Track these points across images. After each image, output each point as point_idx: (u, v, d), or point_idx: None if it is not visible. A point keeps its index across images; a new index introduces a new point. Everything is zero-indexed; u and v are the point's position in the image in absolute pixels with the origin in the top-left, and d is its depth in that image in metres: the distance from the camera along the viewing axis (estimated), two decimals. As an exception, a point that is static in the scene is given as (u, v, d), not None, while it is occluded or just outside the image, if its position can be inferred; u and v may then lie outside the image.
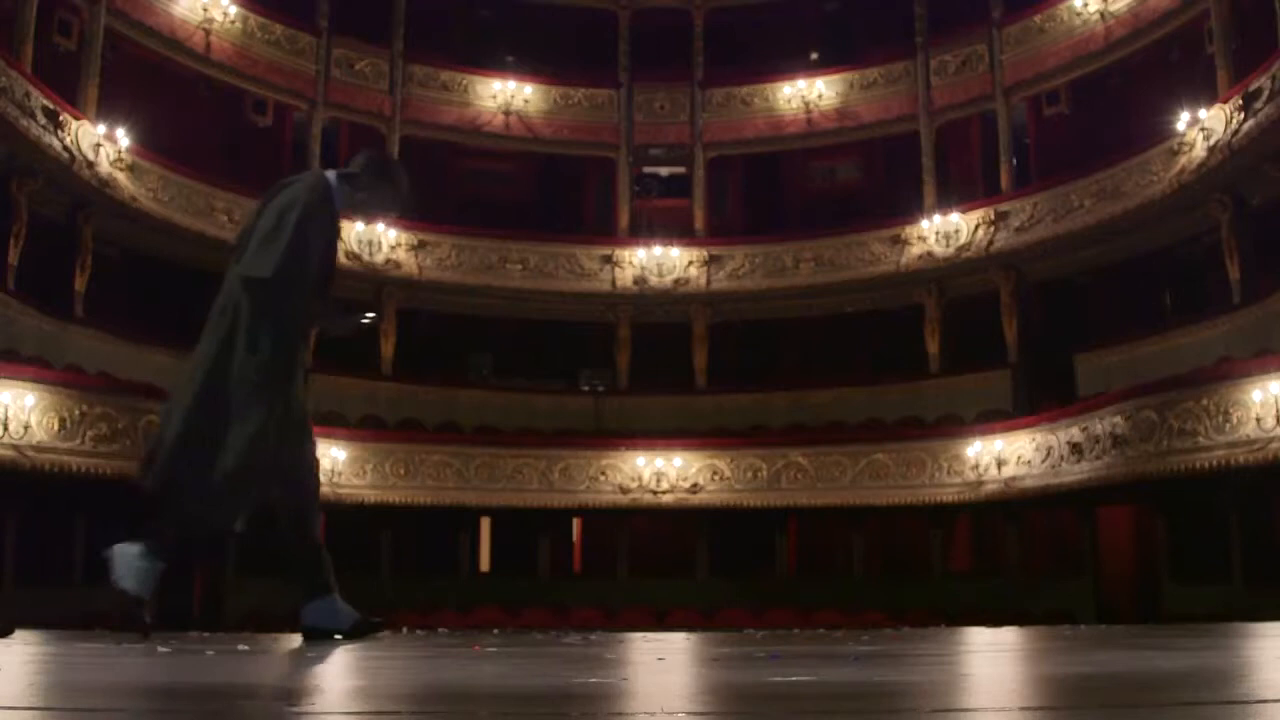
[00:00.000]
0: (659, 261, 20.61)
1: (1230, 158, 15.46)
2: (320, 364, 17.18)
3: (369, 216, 4.58)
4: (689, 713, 1.69)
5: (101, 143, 16.09)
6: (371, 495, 17.61)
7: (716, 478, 18.65)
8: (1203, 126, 15.82)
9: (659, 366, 20.83)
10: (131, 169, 16.73)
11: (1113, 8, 18.08)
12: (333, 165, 22.12)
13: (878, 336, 20.93)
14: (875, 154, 22.23)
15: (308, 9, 19.92)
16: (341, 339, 4.35)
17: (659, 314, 20.84)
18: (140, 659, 2.96)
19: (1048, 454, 16.69)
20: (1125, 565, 17.24)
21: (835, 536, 19.21)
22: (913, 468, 18.02)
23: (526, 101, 21.12)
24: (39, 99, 15.16)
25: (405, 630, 6.83)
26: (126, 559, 4.00)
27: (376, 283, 19.51)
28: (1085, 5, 18.38)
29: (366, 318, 4.60)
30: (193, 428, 4.09)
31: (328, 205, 4.36)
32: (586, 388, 21.09)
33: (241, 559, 16.68)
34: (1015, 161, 19.64)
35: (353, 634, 4.28)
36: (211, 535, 4.29)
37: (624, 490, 18.63)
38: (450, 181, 21.72)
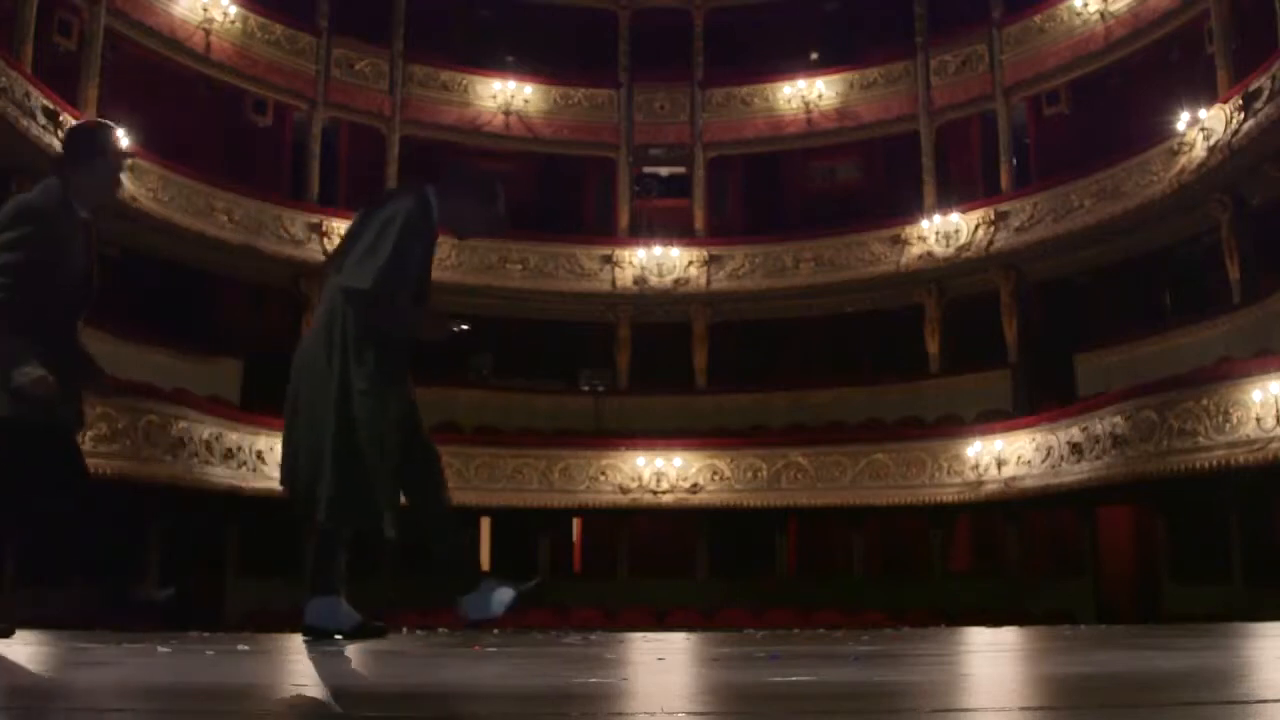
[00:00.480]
0: (659, 261, 20.61)
1: (1230, 158, 15.46)
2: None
3: (461, 234, 4.70)
4: (689, 713, 1.69)
5: (101, 143, 16.06)
6: (371, 495, 17.58)
7: (716, 478, 18.65)
8: (1203, 126, 15.81)
9: (659, 366, 20.82)
10: (131, 169, 16.71)
11: (1113, 8, 18.07)
12: (332, 165, 22.13)
13: (878, 336, 20.92)
14: (875, 154, 22.22)
15: (308, 9, 19.91)
16: (434, 346, 4.48)
17: (659, 314, 20.83)
18: (140, 659, 2.96)
19: (1048, 454, 16.69)
20: (1125, 565, 17.24)
21: (835, 536, 19.21)
22: (913, 468, 18.02)
23: (526, 101, 21.12)
24: (39, 99, 15.16)
25: (406, 630, 6.83)
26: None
27: (376, 283, 19.50)
28: (1085, 5, 18.38)
29: (460, 327, 4.74)
30: (341, 446, 4.23)
31: (428, 219, 4.45)
32: (586, 388, 21.08)
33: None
34: (1015, 161, 19.63)
35: (353, 635, 4.30)
36: (369, 539, 4.47)
37: (624, 490, 18.63)
38: (450, 181, 21.67)
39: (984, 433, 17.68)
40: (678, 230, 21.33)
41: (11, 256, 4.00)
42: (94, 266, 4.41)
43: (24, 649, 3.52)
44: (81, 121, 4.48)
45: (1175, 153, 16.36)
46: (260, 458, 16.57)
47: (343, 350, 4.28)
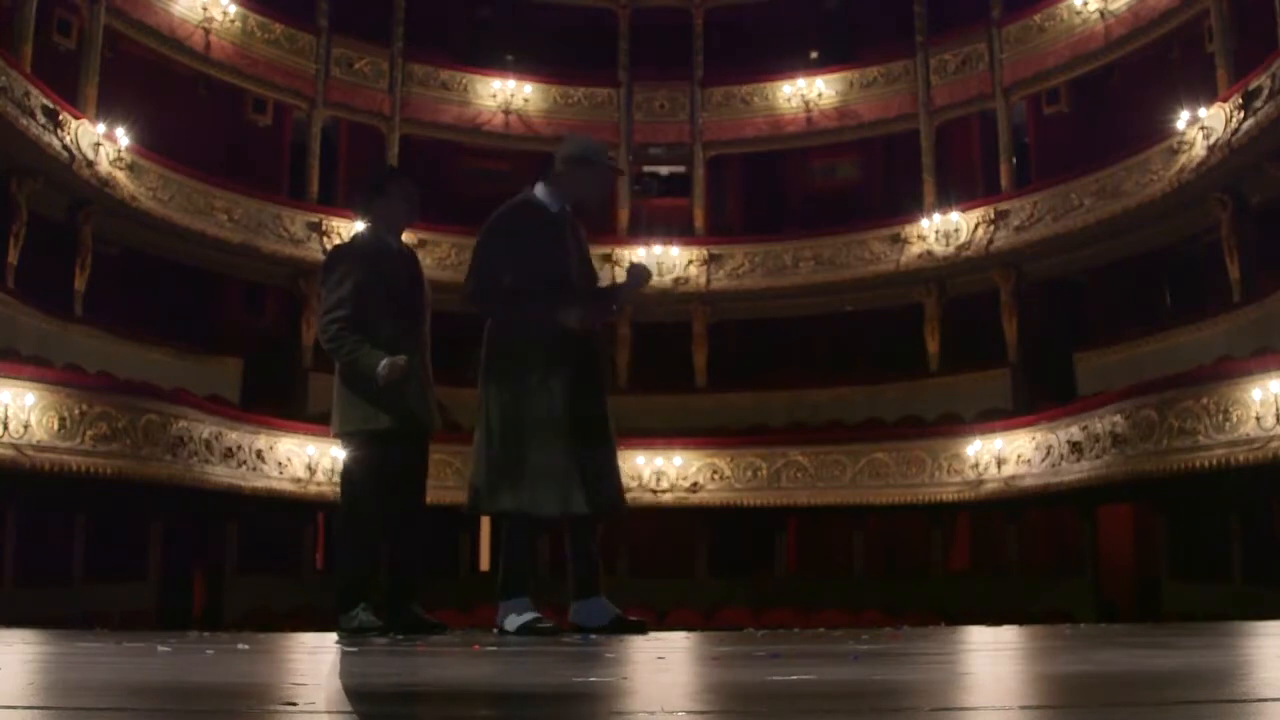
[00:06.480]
0: (658, 260, 20.57)
1: (1230, 156, 15.46)
2: (316, 364, 17.19)
3: (582, 205, 5.10)
4: (689, 711, 1.69)
5: (101, 142, 16.08)
6: (371, 494, 17.55)
7: (716, 477, 18.65)
8: (1202, 125, 15.81)
9: (658, 365, 20.81)
10: (131, 168, 16.72)
11: (1112, 6, 18.06)
12: (332, 164, 22.07)
13: (877, 336, 20.92)
14: (875, 153, 22.22)
15: (308, 8, 19.90)
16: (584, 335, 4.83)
17: (658, 313, 20.82)
18: (140, 659, 2.96)
19: (1047, 453, 16.68)
20: (1125, 564, 17.25)
21: (835, 536, 19.21)
22: (912, 467, 18.01)
23: (526, 100, 21.11)
24: (38, 98, 15.15)
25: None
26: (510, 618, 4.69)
27: (376, 282, 19.48)
28: (1085, 4, 18.37)
29: (615, 310, 5.37)
30: (480, 444, 4.84)
31: (530, 219, 4.86)
32: (586, 387, 21.03)
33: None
34: (1015, 160, 19.63)
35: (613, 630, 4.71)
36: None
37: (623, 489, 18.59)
38: (450, 181, 21.69)
39: (984, 432, 17.67)
40: (677, 229, 21.32)
41: (341, 290, 4.86)
42: (419, 287, 5.08)
43: (23, 648, 3.52)
44: (370, 173, 5.31)
45: (1175, 151, 16.35)
46: (260, 457, 16.56)
47: (482, 358, 4.74)
